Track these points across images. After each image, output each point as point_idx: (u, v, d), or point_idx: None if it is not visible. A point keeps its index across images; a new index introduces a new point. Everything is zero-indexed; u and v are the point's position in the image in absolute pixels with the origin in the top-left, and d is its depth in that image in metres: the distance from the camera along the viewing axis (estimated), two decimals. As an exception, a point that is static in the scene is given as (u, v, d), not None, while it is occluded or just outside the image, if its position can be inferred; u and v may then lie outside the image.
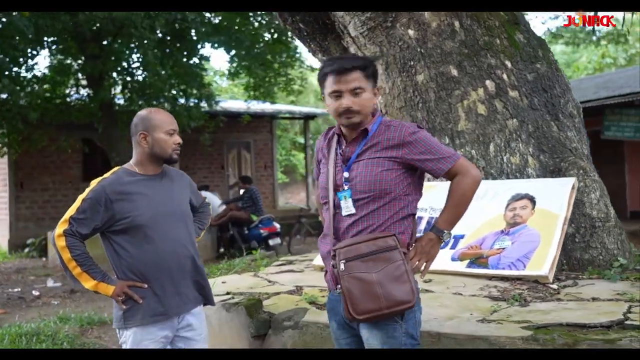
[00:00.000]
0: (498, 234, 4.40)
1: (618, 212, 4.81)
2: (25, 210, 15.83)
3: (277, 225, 12.44)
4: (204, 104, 14.47)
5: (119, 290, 2.83)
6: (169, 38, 13.74)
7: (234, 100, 22.49)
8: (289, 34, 14.71)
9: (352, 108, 2.51)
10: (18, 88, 12.36)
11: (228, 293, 4.41)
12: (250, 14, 14.18)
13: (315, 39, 5.78)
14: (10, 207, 15.57)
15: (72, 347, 5.76)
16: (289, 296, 4.26)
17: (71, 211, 2.84)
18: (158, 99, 13.22)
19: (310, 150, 20.34)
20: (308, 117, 20.77)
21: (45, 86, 13.67)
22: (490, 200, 4.57)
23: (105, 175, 2.95)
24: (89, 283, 2.82)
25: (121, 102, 14.04)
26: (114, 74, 13.71)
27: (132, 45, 13.05)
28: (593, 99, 11.59)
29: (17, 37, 11.63)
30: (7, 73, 12.01)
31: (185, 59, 14.12)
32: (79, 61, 13.59)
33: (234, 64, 15.60)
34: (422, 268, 2.57)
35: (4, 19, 11.34)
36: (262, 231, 12.14)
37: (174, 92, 13.93)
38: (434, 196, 4.05)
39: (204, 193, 9.49)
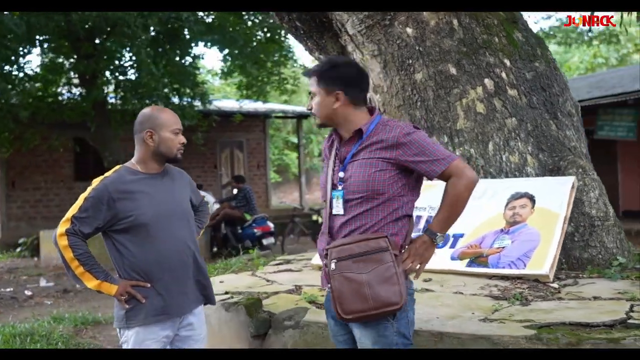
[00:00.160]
0: (498, 232, 4.39)
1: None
2: (17, 210, 15.74)
3: (271, 225, 12.40)
4: (197, 103, 14.42)
5: (122, 289, 2.80)
6: (162, 37, 13.67)
7: (226, 99, 22.42)
8: (282, 32, 14.69)
9: (312, 110, 2.66)
10: (9, 86, 12.28)
11: (227, 292, 4.37)
12: (244, 12, 14.13)
13: (312, 37, 5.75)
14: (1, 206, 15.48)
15: (67, 347, 5.70)
16: (288, 295, 4.23)
17: (73, 210, 2.80)
18: (151, 98, 13.15)
19: (304, 150, 20.31)
20: (301, 117, 20.74)
21: (37, 85, 13.59)
22: (490, 199, 4.56)
23: (107, 174, 2.91)
24: (91, 283, 2.79)
25: (113, 101, 13.97)
26: (107, 73, 13.64)
27: (125, 44, 12.97)
28: (586, 99, 11.62)
29: (9, 36, 11.53)
30: (-2, 71, 11.96)
31: (178, 58, 14.07)
32: (71, 60, 13.51)
33: (228, 63, 15.55)
34: (416, 270, 2.56)
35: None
36: (255, 230, 12.09)
37: (167, 90, 13.86)
38: (433, 195, 4.02)
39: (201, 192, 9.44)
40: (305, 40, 5.83)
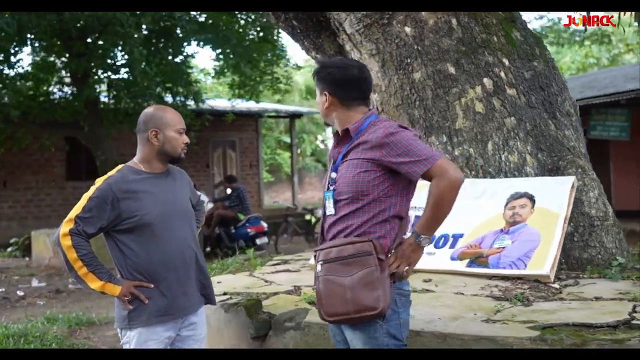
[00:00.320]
0: (497, 232, 4.37)
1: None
2: (8, 210, 15.62)
3: (265, 225, 12.36)
4: (190, 102, 14.36)
5: (125, 290, 2.77)
6: (154, 35, 13.61)
7: (219, 98, 22.36)
8: (275, 32, 14.63)
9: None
10: (0, 85, 12.17)
11: (225, 293, 4.33)
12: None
13: (309, 36, 5.71)
14: (-8, 206, 15.36)
15: (61, 347, 5.65)
16: (288, 296, 4.20)
17: (77, 210, 2.76)
18: (144, 97, 13.08)
19: (296, 149, 20.27)
20: (294, 116, 20.73)
21: (29, 83, 13.49)
22: (489, 199, 4.54)
23: (111, 173, 2.87)
24: (95, 284, 2.75)
25: (106, 100, 13.88)
26: (99, 72, 13.55)
27: (118, 42, 12.89)
28: (579, 99, 11.62)
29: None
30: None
31: (171, 57, 14.00)
32: (63, 58, 13.42)
33: (220, 62, 15.49)
34: (404, 272, 2.51)
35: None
36: (249, 230, 12.05)
37: (159, 89, 13.79)
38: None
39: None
40: (302, 39, 5.78)
